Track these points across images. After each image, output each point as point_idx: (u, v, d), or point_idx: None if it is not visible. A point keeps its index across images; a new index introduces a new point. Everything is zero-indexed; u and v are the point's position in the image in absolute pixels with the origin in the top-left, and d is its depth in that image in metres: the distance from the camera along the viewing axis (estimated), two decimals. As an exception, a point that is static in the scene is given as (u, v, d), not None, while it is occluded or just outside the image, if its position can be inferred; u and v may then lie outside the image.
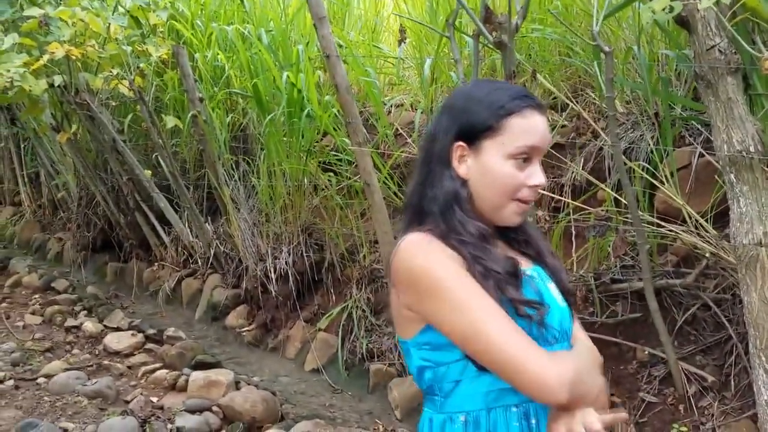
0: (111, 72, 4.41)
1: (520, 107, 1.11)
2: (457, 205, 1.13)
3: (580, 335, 1.22)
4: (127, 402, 3.35)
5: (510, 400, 1.10)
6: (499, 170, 1.12)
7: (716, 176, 2.56)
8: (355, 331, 3.69)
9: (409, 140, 3.90)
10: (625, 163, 2.70)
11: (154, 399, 3.37)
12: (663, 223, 2.66)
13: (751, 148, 1.99)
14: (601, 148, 3.12)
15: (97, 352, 4.10)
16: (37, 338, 4.33)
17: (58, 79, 4.34)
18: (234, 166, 4.54)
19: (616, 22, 3.26)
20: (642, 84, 2.91)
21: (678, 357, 2.59)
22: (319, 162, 4.17)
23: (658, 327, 2.55)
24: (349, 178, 3.98)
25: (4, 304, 5.13)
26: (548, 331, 1.10)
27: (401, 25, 4.01)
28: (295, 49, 4.12)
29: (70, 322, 4.57)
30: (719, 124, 2.04)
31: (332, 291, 4.04)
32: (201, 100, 4.33)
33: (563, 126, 3.37)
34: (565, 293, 1.20)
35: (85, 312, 4.83)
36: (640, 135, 2.96)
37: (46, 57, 4.02)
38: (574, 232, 3.12)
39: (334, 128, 4.04)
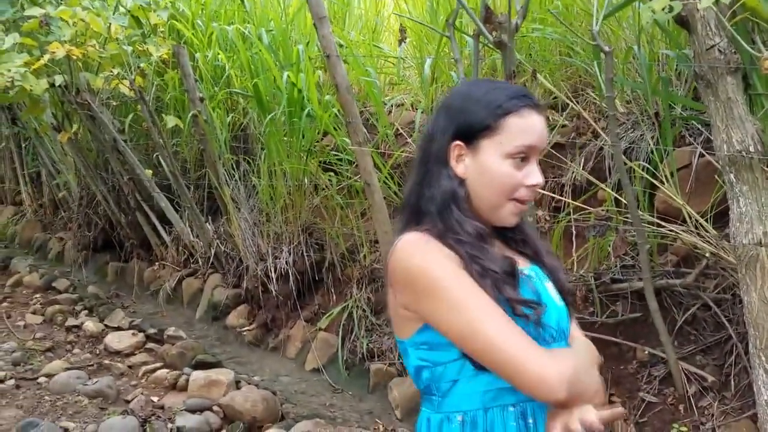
0: (112, 72, 4.42)
1: (517, 107, 1.11)
2: (454, 204, 1.13)
3: (577, 334, 1.22)
4: (128, 401, 3.35)
5: (507, 399, 1.09)
6: (497, 170, 1.12)
7: (716, 176, 2.55)
8: (356, 330, 3.69)
9: (409, 140, 3.90)
10: (625, 163, 2.70)
11: (155, 398, 3.37)
12: (663, 223, 2.66)
13: (751, 148, 1.99)
14: (601, 148, 3.11)
15: (97, 352, 4.10)
16: (38, 338, 4.34)
17: (59, 79, 4.35)
18: (234, 166, 4.55)
19: (617, 22, 3.26)
20: (642, 84, 2.91)
21: (678, 357, 2.59)
22: (320, 162, 4.18)
23: (658, 327, 2.55)
24: (350, 178, 3.98)
25: (5, 304, 5.13)
26: (545, 331, 1.10)
27: (401, 24, 4.01)
28: (296, 49, 4.12)
29: (71, 321, 4.58)
30: (719, 123, 2.04)
31: (333, 291, 4.04)
32: (201, 99, 4.33)
33: (563, 126, 3.37)
34: (563, 292, 1.20)
35: (86, 311, 4.84)
36: (641, 135, 2.96)
37: (46, 57, 4.03)
38: (574, 232, 3.12)
39: (334, 128, 4.04)
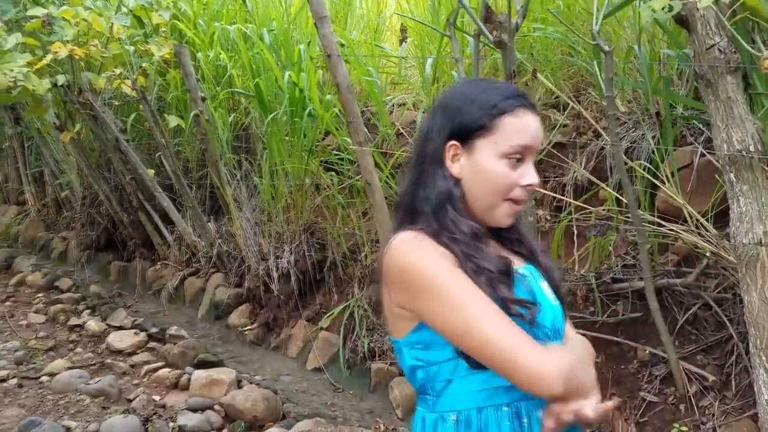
0: (114, 71, 4.43)
1: (513, 106, 1.11)
2: (449, 204, 1.13)
3: (571, 334, 1.22)
4: (130, 400, 3.36)
5: (501, 399, 1.09)
6: (492, 169, 1.12)
7: (717, 176, 2.55)
8: (357, 330, 3.69)
9: (410, 140, 3.90)
10: (626, 163, 2.70)
11: (157, 397, 3.38)
12: (664, 223, 2.66)
13: (751, 148, 1.99)
14: (602, 148, 3.11)
15: (100, 351, 4.11)
16: (41, 337, 4.36)
17: (61, 79, 4.37)
18: (236, 166, 4.55)
19: (617, 22, 3.26)
20: (643, 83, 2.90)
21: (679, 356, 2.59)
22: (321, 161, 4.18)
23: (659, 326, 2.55)
24: (351, 178, 3.99)
25: (8, 303, 5.16)
26: (540, 330, 1.10)
27: (402, 24, 4.01)
28: (297, 49, 4.12)
29: (74, 320, 4.60)
30: (719, 123, 2.04)
31: (334, 290, 4.05)
32: (203, 99, 4.34)
33: (565, 125, 3.36)
34: (558, 292, 1.20)
35: (89, 311, 4.85)
36: (642, 134, 2.96)
37: (49, 56, 4.05)
38: (575, 232, 3.12)
39: (335, 128, 4.04)
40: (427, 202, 1.14)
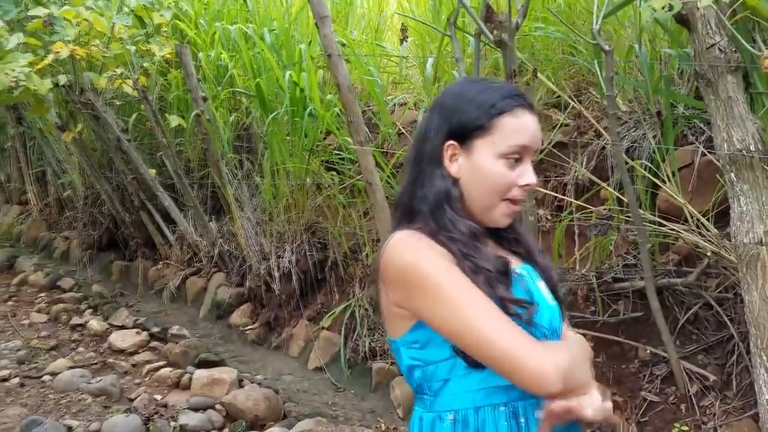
0: (115, 71, 4.44)
1: (511, 106, 1.11)
2: (447, 204, 1.12)
3: (568, 333, 1.22)
4: (131, 400, 3.37)
5: (499, 398, 1.09)
6: (490, 169, 1.12)
7: (718, 175, 2.55)
8: (358, 329, 3.69)
9: (411, 139, 3.90)
10: (627, 162, 2.69)
11: (158, 397, 3.39)
12: (665, 222, 2.65)
13: (752, 147, 1.99)
14: (603, 147, 3.11)
15: (101, 350, 4.12)
16: (43, 336, 4.37)
17: (62, 79, 4.38)
18: (237, 165, 4.56)
19: (618, 21, 3.25)
20: (644, 82, 2.90)
21: (680, 356, 2.58)
22: (322, 161, 4.18)
23: (660, 326, 2.54)
24: (352, 177, 3.99)
25: (10, 303, 5.17)
26: (537, 330, 1.10)
27: (402, 23, 4.01)
28: (298, 48, 4.12)
29: (76, 320, 4.60)
30: (719, 122, 2.04)
31: (335, 290, 4.05)
32: (204, 99, 4.34)
33: (566, 125, 3.36)
34: (555, 291, 1.20)
35: (91, 310, 4.86)
36: (643, 134, 2.95)
37: (50, 56, 4.05)
38: (576, 231, 3.12)
39: (336, 127, 4.04)
40: (425, 201, 1.14)
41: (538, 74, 2.79)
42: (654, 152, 2.83)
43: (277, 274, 4.09)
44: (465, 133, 1.13)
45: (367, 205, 3.88)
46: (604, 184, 2.90)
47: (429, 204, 1.14)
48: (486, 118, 1.11)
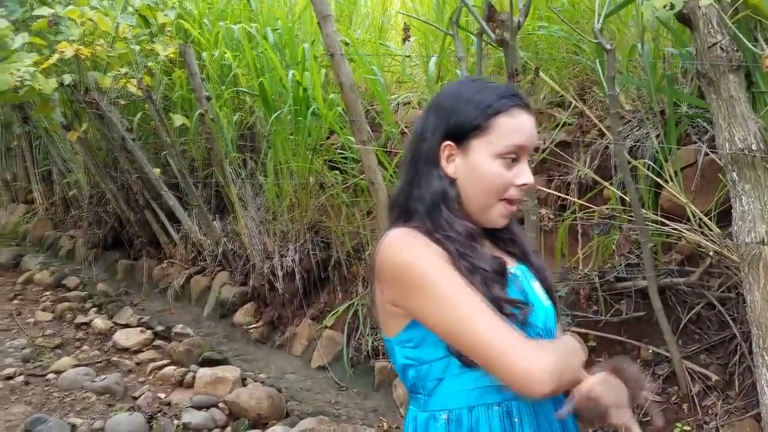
0: (120, 71, 4.45)
1: (507, 106, 1.11)
2: (444, 204, 1.12)
3: (559, 334, 1.21)
4: (135, 398, 3.38)
5: (492, 398, 1.09)
6: (487, 169, 1.11)
7: (720, 174, 2.54)
8: (361, 328, 3.70)
9: (414, 138, 3.90)
10: (630, 162, 2.69)
11: (162, 395, 3.40)
12: (667, 222, 2.65)
13: (754, 146, 1.98)
14: (607, 147, 3.10)
15: (106, 349, 4.14)
16: (48, 335, 4.39)
17: (67, 78, 4.40)
18: (241, 165, 4.57)
19: (621, 20, 3.25)
20: (647, 81, 2.89)
21: (682, 356, 2.58)
22: (326, 160, 4.19)
23: (662, 326, 2.54)
24: (355, 177, 3.99)
25: (15, 301, 5.20)
26: (532, 330, 1.10)
27: (405, 23, 4.01)
28: (301, 48, 4.13)
29: (80, 318, 4.63)
30: (721, 122, 2.03)
31: (338, 289, 4.05)
32: (208, 98, 4.35)
33: (569, 124, 3.35)
34: (550, 292, 1.20)
35: (95, 309, 4.88)
36: (646, 133, 2.95)
37: (55, 56, 4.07)
38: (579, 231, 3.11)
39: (339, 127, 4.05)
40: (421, 201, 1.14)
41: (541, 73, 2.79)
42: (657, 151, 2.82)
43: (280, 273, 4.10)
44: (462, 134, 1.12)
45: (370, 204, 3.88)
46: (606, 184, 2.89)
47: (425, 204, 1.13)
48: (482, 118, 1.11)
